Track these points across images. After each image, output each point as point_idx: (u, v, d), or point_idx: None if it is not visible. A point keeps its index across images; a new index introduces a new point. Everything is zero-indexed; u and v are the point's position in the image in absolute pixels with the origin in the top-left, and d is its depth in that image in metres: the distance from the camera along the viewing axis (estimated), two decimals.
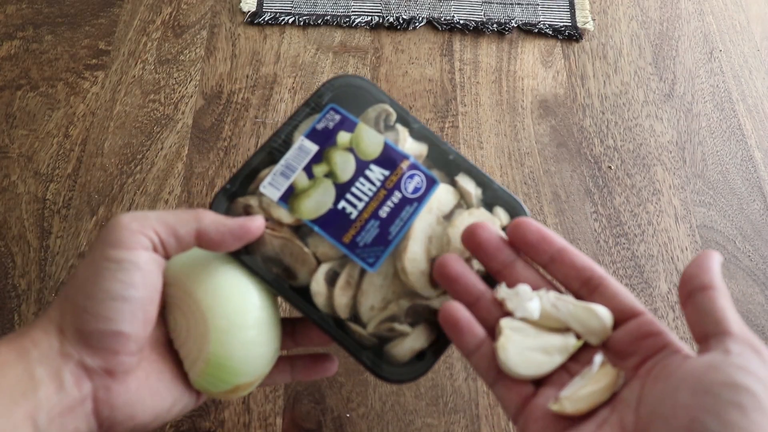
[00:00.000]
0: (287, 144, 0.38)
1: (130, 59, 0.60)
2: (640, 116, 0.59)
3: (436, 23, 0.63)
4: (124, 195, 0.53)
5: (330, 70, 0.60)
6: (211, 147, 0.56)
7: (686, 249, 0.52)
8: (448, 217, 0.38)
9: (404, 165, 0.37)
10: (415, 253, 0.36)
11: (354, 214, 0.36)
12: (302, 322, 0.39)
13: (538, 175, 0.55)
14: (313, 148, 0.38)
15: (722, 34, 0.64)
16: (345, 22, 0.63)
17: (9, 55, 0.59)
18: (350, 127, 0.38)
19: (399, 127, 0.39)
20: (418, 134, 0.39)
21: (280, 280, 0.36)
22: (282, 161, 0.37)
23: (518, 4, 0.65)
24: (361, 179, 0.37)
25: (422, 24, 0.63)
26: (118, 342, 0.31)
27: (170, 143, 0.56)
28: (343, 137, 0.38)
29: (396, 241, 0.36)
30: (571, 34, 0.63)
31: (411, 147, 0.39)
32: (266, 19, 0.62)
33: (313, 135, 0.38)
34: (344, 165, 0.37)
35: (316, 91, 0.39)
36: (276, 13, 0.63)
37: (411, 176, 0.37)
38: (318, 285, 0.36)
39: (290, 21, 0.62)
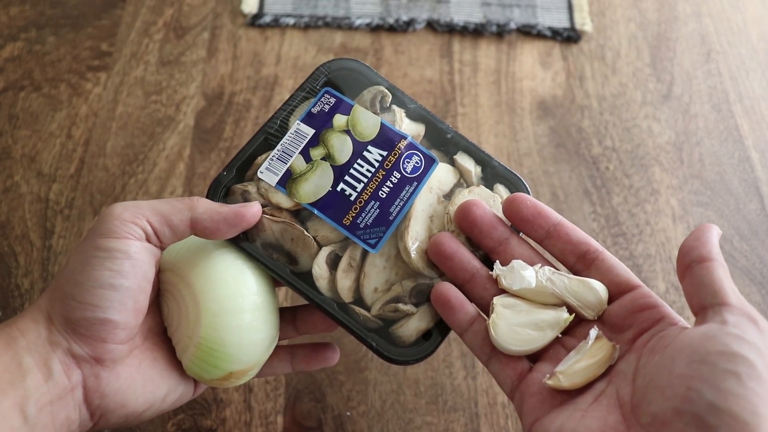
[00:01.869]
0: (283, 129, 0.38)
1: (132, 60, 0.60)
2: (638, 117, 0.59)
3: (435, 25, 0.64)
4: (126, 195, 0.53)
5: None
6: (212, 147, 0.56)
7: None
8: (449, 195, 0.38)
9: (402, 145, 0.37)
10: (417, 232, 0.36)
11: (353, 195, 0.36)
12: (303, 309, 0.39)
13: (536, 176, 0.56)
14: (310, 131, 0.37)
15: (719, 36, 0.65)
16: (345, 24, 0.63)
17: (12, 57, 0.60)
18: (346, 109, 0.38)
19: (395, 108, 0.39)
20: (414, 114, 0.39)
21: (282, 266, 0.36)
22: (278, 146, 0.37)
23: (517, 5, 0.65)
24: (359, 161, 0.37)
25: (422, 26, 0.64)
26: (106, 330, 0.31)
27: (172, 144, 0.56)
28: (339, 120, 0.38)
29: (397, 222, 0.36)
30: (569, 36, 0.63)
31: (408, 127, 0.39)
32: (267, 20, 0.63)
33: (308, 119, 0.38)
34: (341, 147, 0.37)
35: (311, 75, 0.39)
36: (277, 14, 0.63)
37: (409, 156, 0.37)
38: (320, 269, 0.36)
39: (291, 23, 0.63)
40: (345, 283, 0.36)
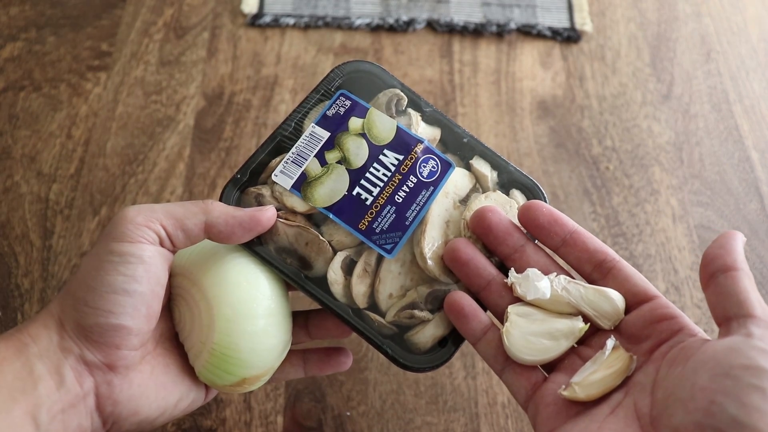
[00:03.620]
0: (298, 132, 0.37)
1: (132, 60, 0.60)
2: (638, 117, 0.59)
3: (435, 25, 0.64)
4: (126, 195, 0.53)
5: None
6: (212, 147, 0.56)
7: (683, 249, 0.53)
8: (465, 201, 0.37)
9: (418, 149, 0.37)
10: (433, 238, 0.35)
11: (369, 200, 0.36)
12: (316, 313, 0.38)
13: (536, 176, 0.56)
14: (325, 134, 0.37)
15: (719, 36, 0.65)
16: (345, 24, 0.63)
17: (12, 57, 0.60)
18: (361, 112, 0.37)
19: (411, 111, 0.38)
20: (430, 118, 0.39)
21: (296, 271, 0.35)
22: (293, 149, 0.37)
23: (517, 5, 0.65)
24: (375, 164, 0.36)
25: (422, 26, 0.64)
26: (119, 336, 0.30)
27: (172, 144, 0.56)
28: (354, 123, 0.37)
29: (413, 227, 0.36)
30: (569, 36, 0.63)
31: (424, 131, 0.38)
32: (267, 20, 0.63)
33: (324, 121, 0.37)
34: (357, 150, 0.37)
35: (326, 78, 0.38)
36: (277, 14, 0.63)
37: (426, 160, 0.37)
38: (335, 274, 0.35)
39: (291, 23, 0.63)
40: (360, 289, 0.35)
